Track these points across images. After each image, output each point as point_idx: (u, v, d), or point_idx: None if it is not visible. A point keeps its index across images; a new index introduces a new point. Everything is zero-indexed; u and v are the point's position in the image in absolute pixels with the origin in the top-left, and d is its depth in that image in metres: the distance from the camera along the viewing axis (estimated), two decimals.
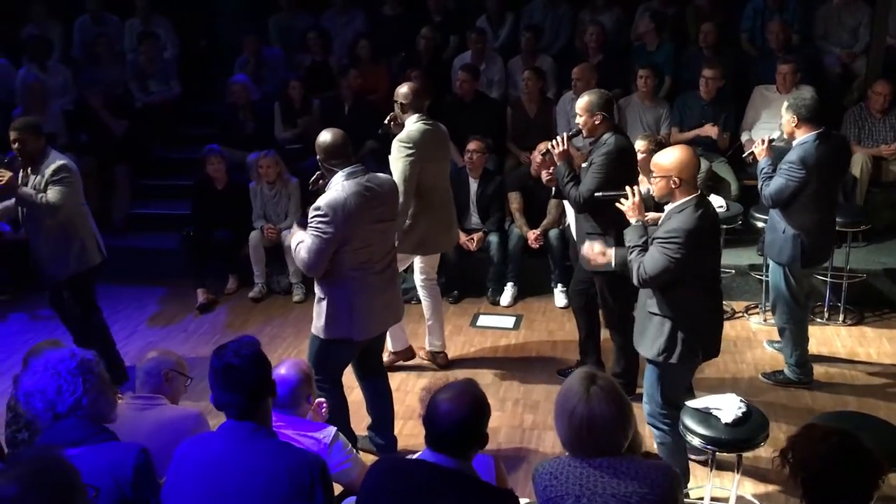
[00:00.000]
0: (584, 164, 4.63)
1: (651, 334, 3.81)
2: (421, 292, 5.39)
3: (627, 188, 3.92)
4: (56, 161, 4.93)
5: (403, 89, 4.95)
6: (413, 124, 4.86)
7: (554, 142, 4.68)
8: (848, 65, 7.24)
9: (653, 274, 3.66)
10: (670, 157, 3.71)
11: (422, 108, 4.96)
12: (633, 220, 3.88)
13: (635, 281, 3.78)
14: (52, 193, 4.87)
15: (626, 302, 4.82)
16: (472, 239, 6.40)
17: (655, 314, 3.78)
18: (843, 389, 5.08)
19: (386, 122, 5.05)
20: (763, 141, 4.91)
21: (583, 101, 4.55)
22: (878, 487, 2.30)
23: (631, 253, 3.79)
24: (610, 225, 4.45)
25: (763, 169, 4.85)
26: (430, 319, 5.42)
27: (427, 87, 7.18)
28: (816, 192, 4.69)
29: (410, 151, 4.75)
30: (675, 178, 3.65)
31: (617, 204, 3.97)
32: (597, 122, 4.52)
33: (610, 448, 2.43)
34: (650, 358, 3.86)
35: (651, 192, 3.85)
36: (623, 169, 4.47)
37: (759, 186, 4.88)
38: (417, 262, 5.28)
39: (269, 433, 2.65)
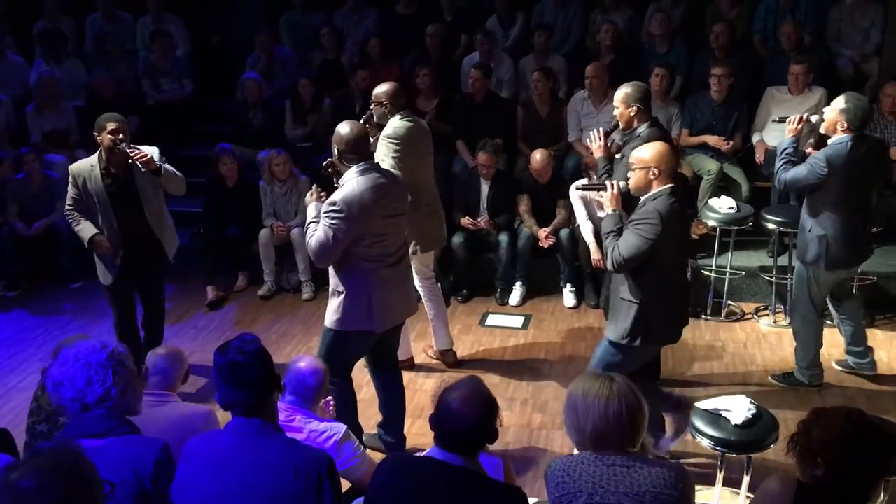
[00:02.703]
0: (617, 156, 4.62)
1: (619, 318, 3.96)
2: (421, 292, 5.37)
3: (607, 181, 4.10)
4: (150, 147, 4.99)
5: (385, 88, 4.87)
6: (398, 121, 4.82)
7: (591, 136, 4.69)
8: (860, 66, 7.21)
9: (627, 255, 3.81)
10: (651, 150, 3.87)
11: (404, 105, 4.92)
12: (609, 211, 4.03)
13: (610, 265, 3.93)
14: (174, 169, 5.05)
15: None
16: (478, 223, 6.44)
17: (625, 299, 3.92)
18: (853, 392, 5.07)
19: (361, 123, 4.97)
20: (801, 119, 4.77)
21: (620, 93, 4.54)
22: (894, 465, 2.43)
23: (606, 238, 3.97)
24: None
25: (785, 148, 4.76)
26: (434, 319, 5.42)
27: (435, 86, 7.22)
28: (843, 194, 4.62)
29: (398, 148, 4.73)
30: (655, 169, 3.81)
31: (596, 196, 4.14)
32: (632, 114, 4.51)
33: (630, 443, 2.48)
34: (612, 340, 4.00)
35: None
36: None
37: (775, 166, 4.79)
38: (412, 263, 5.24)
39: (277, 429, 2.65)
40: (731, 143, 6.55)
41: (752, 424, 3.63)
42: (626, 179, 3.96)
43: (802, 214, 4.85)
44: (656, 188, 3.82)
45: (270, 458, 2.54)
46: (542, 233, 6.29)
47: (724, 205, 5.92)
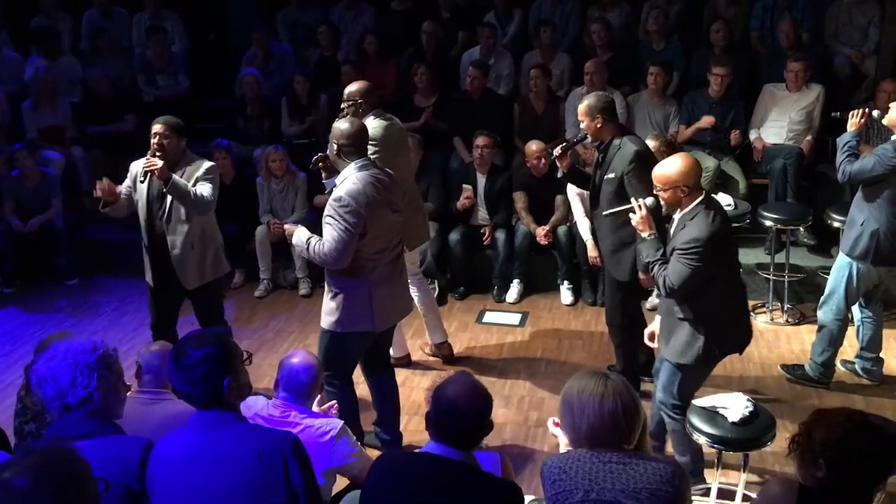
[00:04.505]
0: (608, 176, 4.52)
1: (677, 339, 3.86)
2: (410, 288, 5.36)
3: (633, 202, 3.95)
4: (204, 163, 4.75)
5: (357, 87, 4.79)
6: (373, 121, 4.73)
7: (556, 152, 4.71)
8: (857, 65, 7.21)
9: (678, 284, 3.72)
10: (673, 168, 3.74)
11: (377, 103, 4.86)
12: (644, 235, 3.90)
13: (663, 292, 3.83)
14: (204, 188, 4.66)
15: (632, 304, 4.89)
16: (483, 232, 6.46)
17: (680, 318, 3.84)
18: (851, 389, 5.07)
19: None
20: (863, 113, 4.71)
21: (582, 106, 4.52)
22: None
23: (653, 268, 3.85)
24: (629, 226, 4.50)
25: (848, 142, 4.69)
26: (426, 314, 5.41)
27: (432, 83, 7.20)
28: None
29: (376, 149, 4.62)
30: (684, 187, 3.70)
31: (631, 215, 3.97)
32: (598, 126, 4.49)
33: (626, 441, 2.46)
34: (672, 361, 3.92)
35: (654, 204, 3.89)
36: (650, 171, 4.49)
37: (837, 159, 4.71)
38: None
39: (237, 418, 2.59)
40: (732, 135, 6.53)
41: (749, 422, 3.63)
42: (654, 196, 3.87)
43: (853, 209, 4.78)
44: (689, 205, 3.73)
45: (232, 448, 2.51)
46: (540, 231, 6.28)
47: (721, 202, 5.89)
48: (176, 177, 4.59)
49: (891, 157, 4.49)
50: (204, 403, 2.56)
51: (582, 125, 4.56)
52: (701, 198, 3.73)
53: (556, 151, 4.72)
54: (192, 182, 4.66)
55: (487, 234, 6.44)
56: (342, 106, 4.85)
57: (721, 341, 3.85)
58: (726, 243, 3.77)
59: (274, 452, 2.50)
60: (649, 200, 3.89)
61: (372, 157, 4.58)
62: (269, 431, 2.62)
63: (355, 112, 4.75)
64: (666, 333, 3.96)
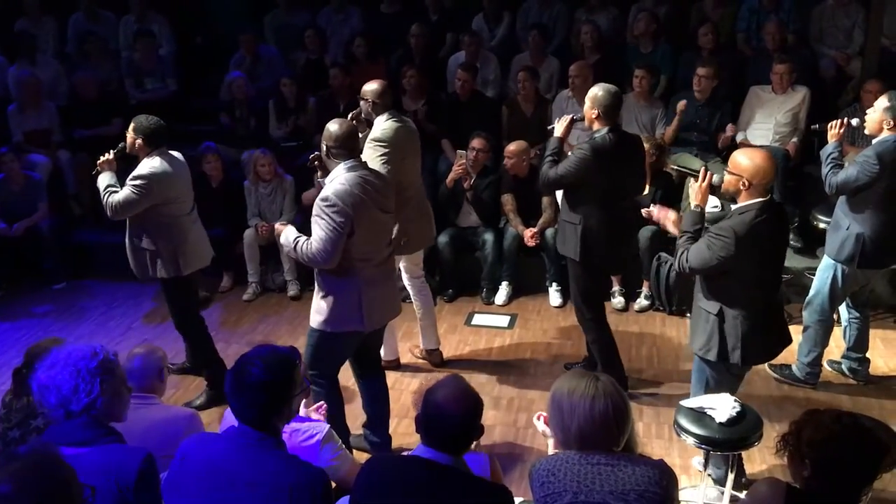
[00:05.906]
0: (569, 153, 4.72)
1: (698, 329, 3.89)
2: (410, 291, 5.38)
3: (701, 170, 3.99)
4: (146, 168, 4.68)
5: (373, 87, 4.84)
6: (385, 122, 4.77)
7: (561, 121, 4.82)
8: (843, 67, 7.25)
9: (694, 265, 3.75)
10: (747, 159, 3.72)
11: (390, 105, 4.90)
12: (692, 205, 3.95)
13: (677, 266, 3.87)
14: (120, 195, 4.66)
15: (594, 299, 4.91)
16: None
17: (703, 309, 3.86)
18: (838, 389, 5.10)
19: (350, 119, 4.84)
20: (841, 124, 4.75)
21: (591, 92, 4.65)
22: (883, 468, 2.43)
23: (681, 237, 3.89)
24: (578, 208, 4.63)
25: (831, 153, 4.71)
26: (423, 319, 5.41)
27: (421, 86, 7.20)
28: (886, 193, 4.59)
29: (386, 150, 4.66)
30: (746, 181, 3.68)
31: (691, 183, 4.05)
32: (593, 116, 4.61)
33: (615, 443, 2.47)
34: (694, 351, 3.95)
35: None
36: (599, 168, 4.51)
37: (823, 172, 4.72)
38: (401, 262, 5.24)
39: (277, 444, 2.59)
40: (721, 138, 6.56)
41: (737, 422, 3.64)
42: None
43: (837, 212, 4.80)
44: (745, 200, 3.70)
45: (266, 474, 2.49)
46: (528, 232, 6.29)
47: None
48: (102, 176, 4.80)
49: (873, 165, 4.52)
50: (250, 422, 2.55)
51: (584, 108, 4.67)
52: (761, 200, 3.68)
53: (561, 126, 4.78)
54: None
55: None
56: (358, 102, 4.90)
57: (742, 345, 3.75)
58: (759, 248, 3.68)
59: (304, 492, 2.49)
60: (717, 178, 3.93)
61: (380, 158, 4.65)
62: (305, 467, 2.58)
63: (367, 110, 4.83)
64: (692, 324, 3.98)
